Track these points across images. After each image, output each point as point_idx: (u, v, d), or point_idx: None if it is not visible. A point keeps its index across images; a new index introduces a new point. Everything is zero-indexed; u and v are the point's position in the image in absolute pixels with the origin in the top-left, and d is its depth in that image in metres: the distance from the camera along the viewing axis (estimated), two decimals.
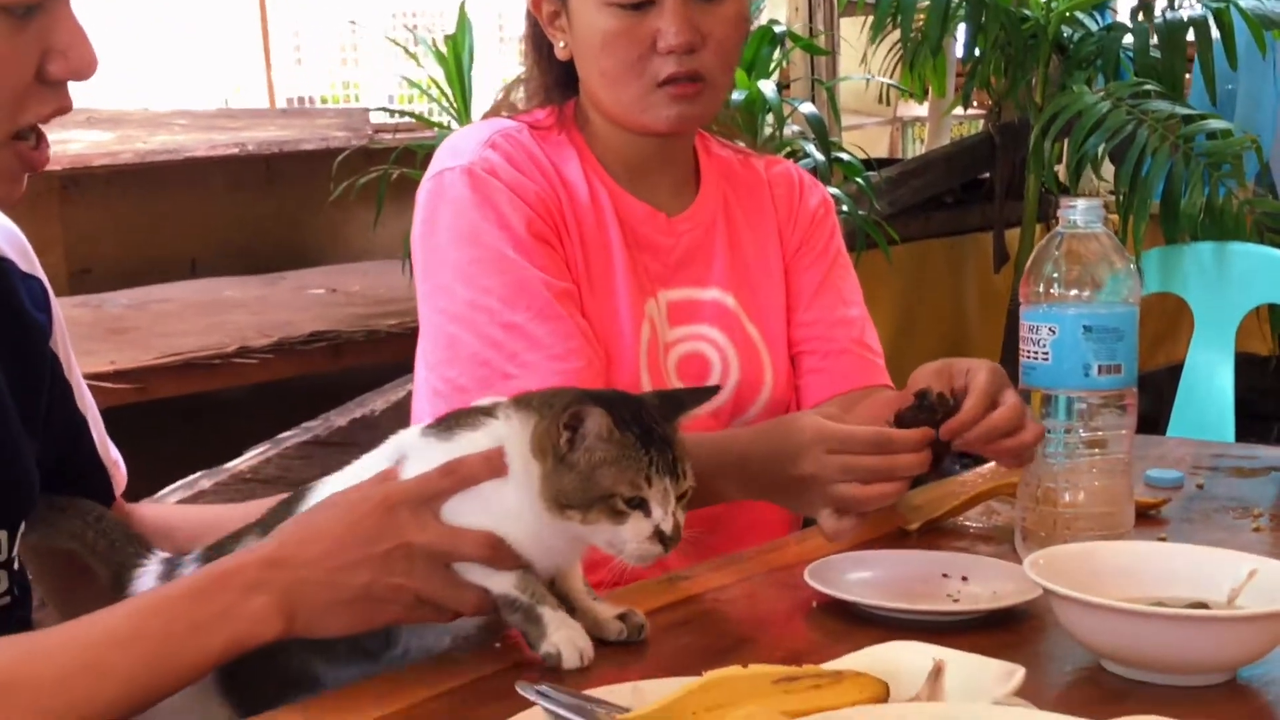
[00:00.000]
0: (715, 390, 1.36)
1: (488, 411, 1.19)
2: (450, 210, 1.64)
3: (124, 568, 1.27)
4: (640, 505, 1.14)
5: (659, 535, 1.15)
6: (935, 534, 1.57)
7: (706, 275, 1.75)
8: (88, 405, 1.40)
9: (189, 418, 3.36)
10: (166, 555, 1.28)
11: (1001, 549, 1.49)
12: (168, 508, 1.56)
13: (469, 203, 1.63)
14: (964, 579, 1.36)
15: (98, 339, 3.10)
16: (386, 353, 3.34)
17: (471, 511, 1.15)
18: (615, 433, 1.14)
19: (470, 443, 1.17)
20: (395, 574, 1.12)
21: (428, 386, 1.66)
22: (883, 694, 0.94)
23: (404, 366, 3.23)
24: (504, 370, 1.58)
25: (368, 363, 3.30)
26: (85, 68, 1.16)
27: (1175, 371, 2.97)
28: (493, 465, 1.15)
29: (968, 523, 1.61)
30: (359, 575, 1.11)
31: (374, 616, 1.13)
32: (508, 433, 1.17)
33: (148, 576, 1.26)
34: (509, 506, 1.15)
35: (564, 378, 1.55)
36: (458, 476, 1.15)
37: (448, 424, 1.20)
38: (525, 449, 1.15)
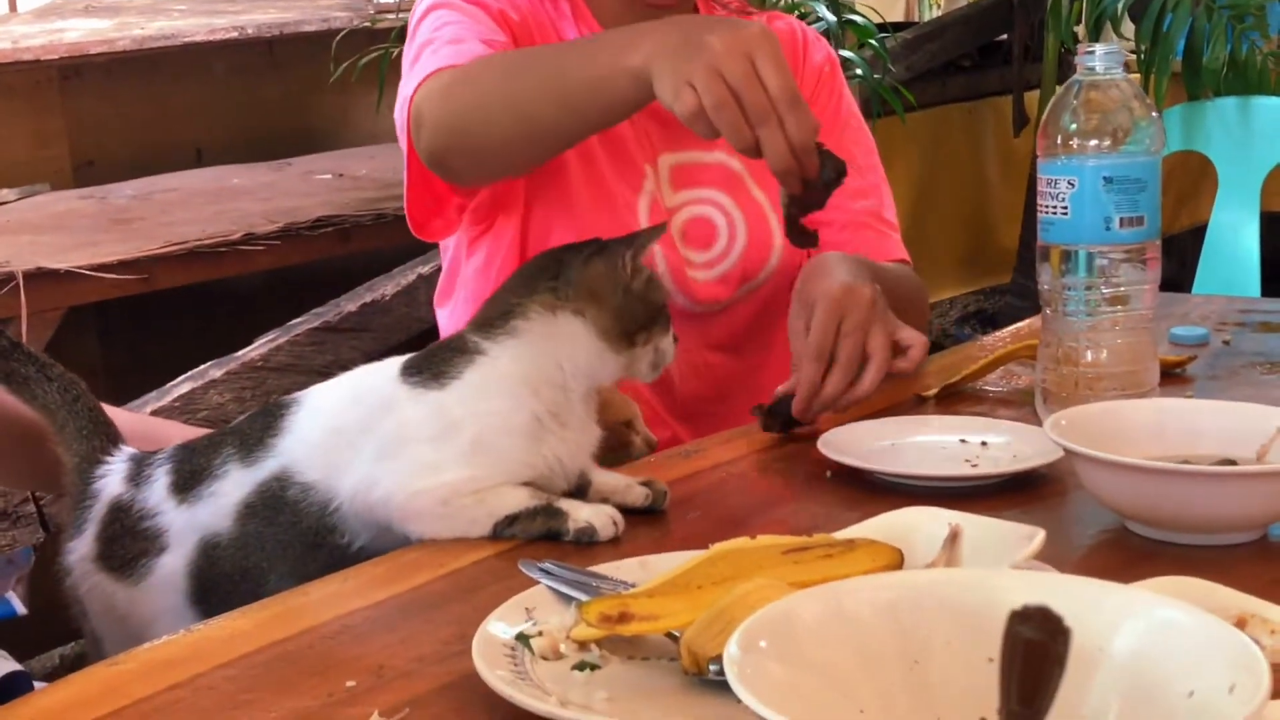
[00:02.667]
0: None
1: (468, 348, 1.14)
2: (433, 14, 1.55)
3: (88, 460, 1.18)
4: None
5: (673, 335, 1.21)
6: (954, 399, 1.52)
7: None
8: None
9: (198, 307, 3.32)
10: (133, 452, 1.19)
11: (1022, 412, 1.44)
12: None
13: (455, 6, 1.54)
14: (983, 444, 1.32)
15: (101, 230, 3.04)
16: (395, 236, 3.26)
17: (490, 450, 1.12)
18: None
19: (472, 383, 1.12)
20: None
21: None
22: (897, 562, 0.90)
23: (412, 250, 3.18)
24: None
25: (376, 247, 3.25)
26: None
27: (1199, 234, 2.91)
28: None
29: (987, 387, 1.56)
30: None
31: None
32: (520, 345, 1.13)
33: (114, 476, 1.17)
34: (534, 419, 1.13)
35: None
36: None
37: (432, 369, 1.13)
38: (551, 340, 1.13)
